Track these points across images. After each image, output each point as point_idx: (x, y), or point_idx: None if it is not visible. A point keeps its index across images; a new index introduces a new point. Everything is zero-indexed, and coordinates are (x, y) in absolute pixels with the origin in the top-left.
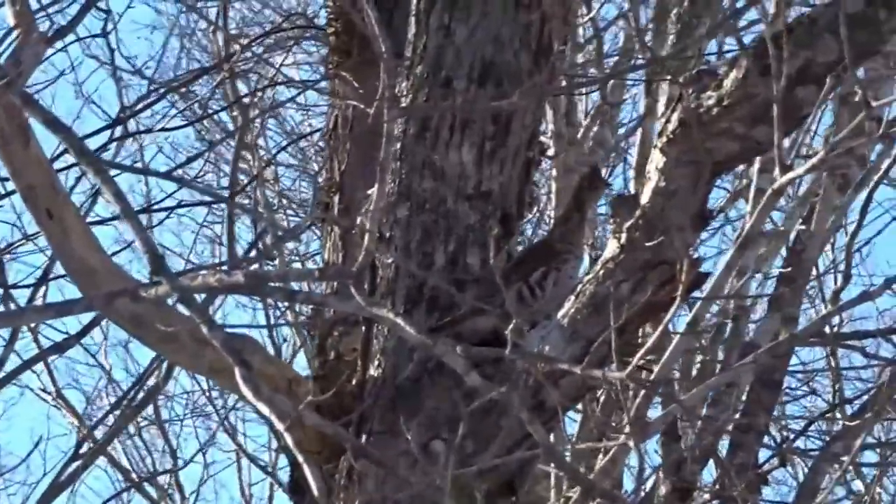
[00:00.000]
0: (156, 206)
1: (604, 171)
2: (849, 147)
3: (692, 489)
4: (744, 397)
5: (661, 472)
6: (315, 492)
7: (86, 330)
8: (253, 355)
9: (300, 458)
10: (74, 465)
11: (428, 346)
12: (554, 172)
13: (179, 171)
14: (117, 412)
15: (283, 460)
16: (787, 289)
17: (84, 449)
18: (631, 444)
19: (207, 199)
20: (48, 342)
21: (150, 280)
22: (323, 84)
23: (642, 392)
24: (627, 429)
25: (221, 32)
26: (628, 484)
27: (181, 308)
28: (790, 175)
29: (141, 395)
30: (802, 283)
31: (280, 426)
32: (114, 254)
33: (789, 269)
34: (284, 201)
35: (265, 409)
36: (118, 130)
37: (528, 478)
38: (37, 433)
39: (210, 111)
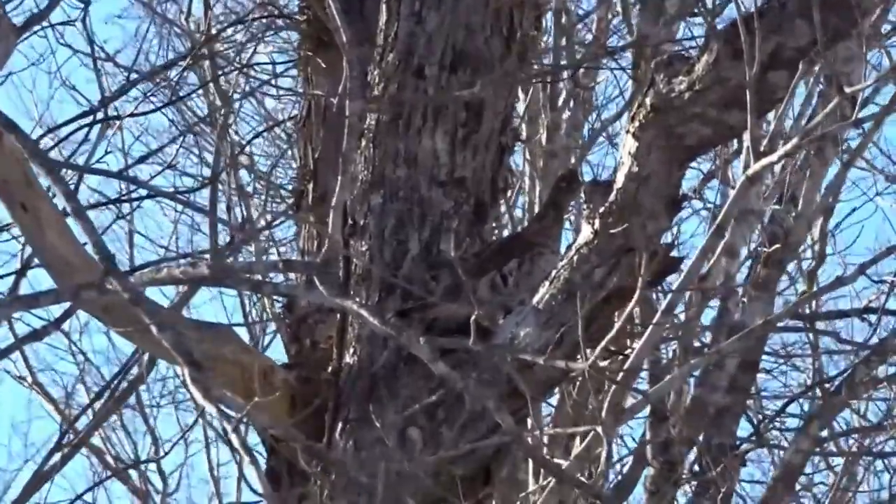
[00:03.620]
0: (126, 197)
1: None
2: (823, 132)
3: (675, 470)
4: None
5: (648, 452)
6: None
7: (63, 318)
8: (227, 345)
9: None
10: (56, 455)
11: (392, 335)
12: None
13: (152, 159)
14: (99, 403)
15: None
16: (773, 270)
17: (66, 440)
18: (601, 432)
19: (183, 188)
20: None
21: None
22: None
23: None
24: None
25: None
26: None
27: (151, 298)
28: (764, 161)
29: (124, 384)
30: (786, 264)
31: (228, 427)
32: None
33: (773, 249)
34: (260, 186)
35: (213, 410)
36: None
37: (505, 464)
38: (17, 419)
39: (183, 95)
